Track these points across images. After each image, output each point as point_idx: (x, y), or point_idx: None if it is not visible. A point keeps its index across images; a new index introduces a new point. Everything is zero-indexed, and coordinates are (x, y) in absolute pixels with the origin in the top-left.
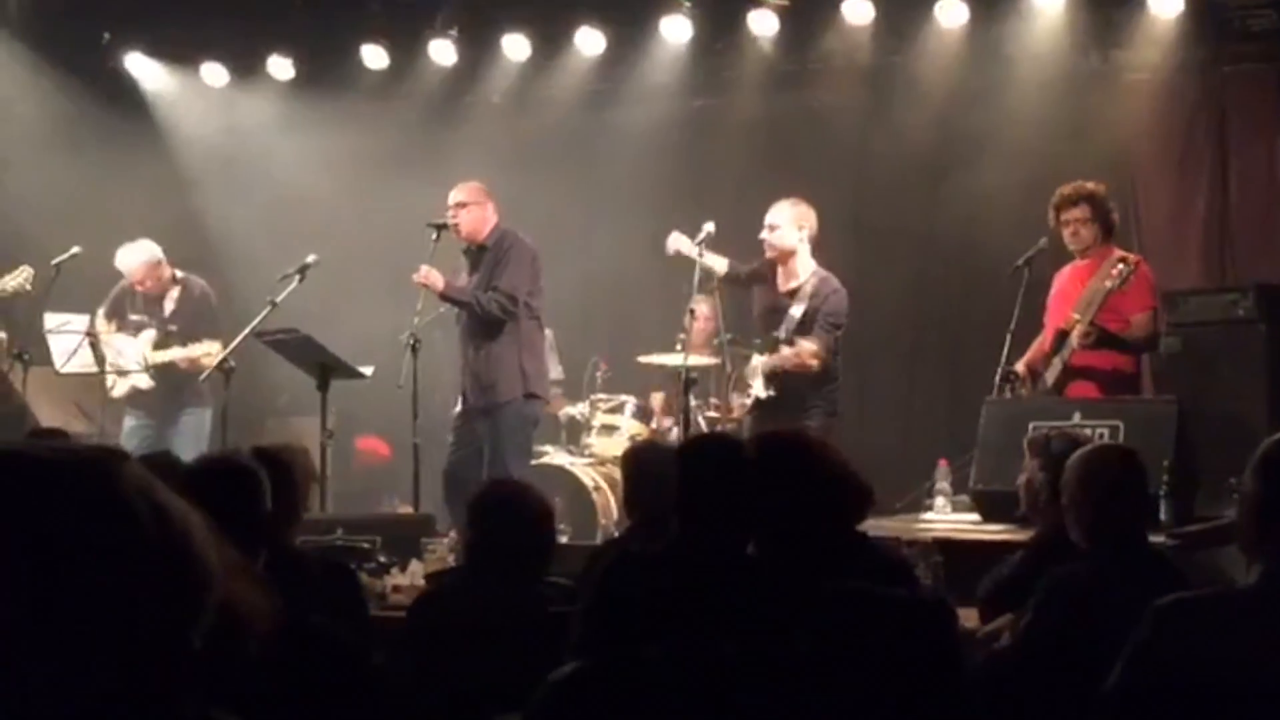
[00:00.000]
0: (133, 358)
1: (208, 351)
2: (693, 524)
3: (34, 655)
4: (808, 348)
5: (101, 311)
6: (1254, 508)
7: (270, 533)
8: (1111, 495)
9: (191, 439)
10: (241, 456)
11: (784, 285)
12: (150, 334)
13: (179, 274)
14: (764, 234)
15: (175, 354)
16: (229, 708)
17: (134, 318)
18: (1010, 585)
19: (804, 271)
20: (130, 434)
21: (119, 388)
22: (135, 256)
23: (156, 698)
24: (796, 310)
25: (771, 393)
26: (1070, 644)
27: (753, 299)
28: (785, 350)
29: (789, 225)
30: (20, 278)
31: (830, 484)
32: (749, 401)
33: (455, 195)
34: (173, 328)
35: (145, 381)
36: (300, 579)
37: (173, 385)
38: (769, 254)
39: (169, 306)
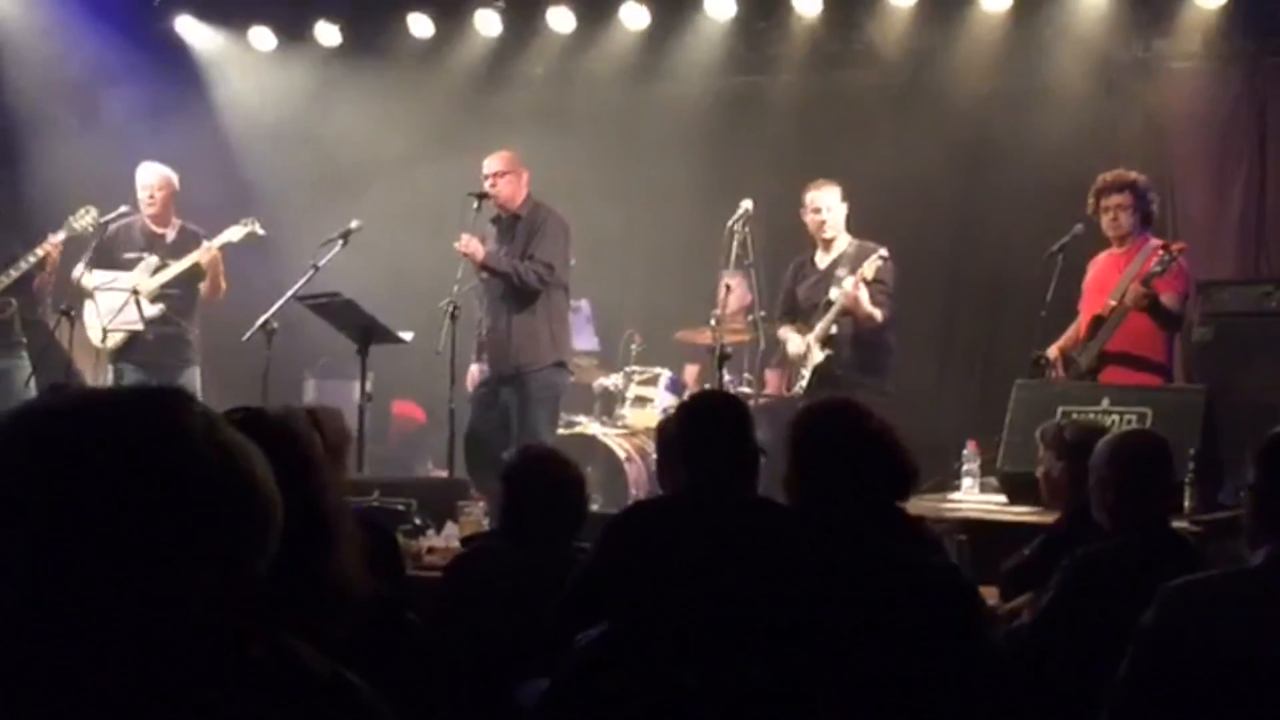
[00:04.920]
0: (136, 287)
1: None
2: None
3: (112, 591)
4: (863, 291)
5: (83, 262)
6: (1256, 497)
7: None
8: (1140, 478)
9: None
10: (294, 417)
11: (823, 264)
12: (151, 261)
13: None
14: (814, 216)
15: (189, 259)
16: None
17: (129, 255)
18: (1031, 566)
19: (843, 245)
20: None
21: (112, 338)
22: (157, 169)
23: (232, 626)
24: (842, 272)
25: (830, 352)
26: (1089, 623)
27: (796, 299)
28: (835, 296)
29: (838, 205)
30: (87, 218)
31: (878, 455)
32: (802, 384)
33: (491, 164)
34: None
35: (150, 309)
36: None
37: (173, 334)
38: (829, 234)
39: (170, 235)
